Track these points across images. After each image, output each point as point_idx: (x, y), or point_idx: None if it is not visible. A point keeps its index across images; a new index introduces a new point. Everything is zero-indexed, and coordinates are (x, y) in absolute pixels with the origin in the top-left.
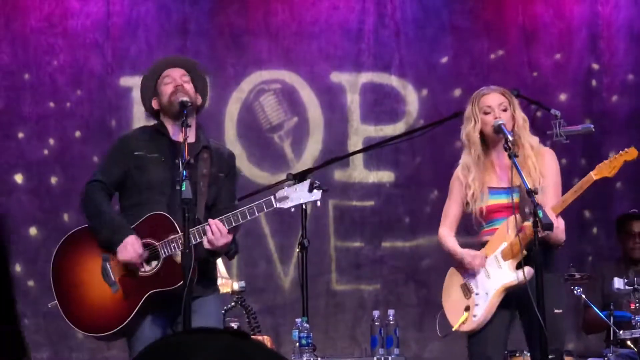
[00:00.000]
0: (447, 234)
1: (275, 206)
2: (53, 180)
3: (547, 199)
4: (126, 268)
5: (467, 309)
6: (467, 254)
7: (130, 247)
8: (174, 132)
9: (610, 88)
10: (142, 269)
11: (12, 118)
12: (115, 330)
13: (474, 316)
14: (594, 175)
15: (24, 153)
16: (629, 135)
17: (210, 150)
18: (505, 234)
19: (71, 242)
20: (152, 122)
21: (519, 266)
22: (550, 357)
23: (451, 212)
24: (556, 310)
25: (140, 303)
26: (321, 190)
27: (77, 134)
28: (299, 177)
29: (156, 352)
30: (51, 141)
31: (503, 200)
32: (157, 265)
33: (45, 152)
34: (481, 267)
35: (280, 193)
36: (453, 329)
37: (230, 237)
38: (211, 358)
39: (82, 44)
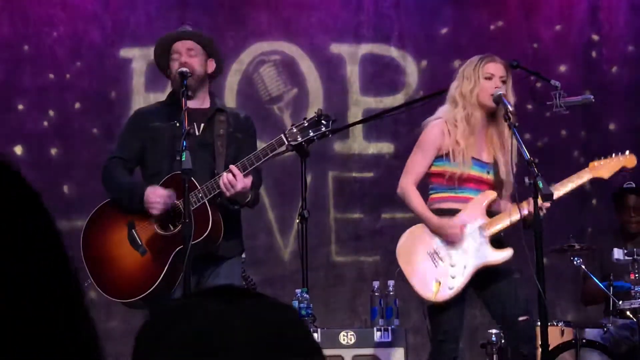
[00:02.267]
0: (413, 190)
1: (286, 143)
2: (53, 151)
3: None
4: (152, 231)
5: (437, 279)
6: (448, 226)
7: (154, 198)
8: (185, 102)
9: (610, 59)
10: (166, 230)
11: (11, 90)
12: (149, 290)
13: (450, 288)
14: (590, 172)
15: (24, 125)
16: (628, 106)
17: (225, 112)
18: (481, 208)
19: (97, 217)
20: (161, 95)
21: (494, 245)
22: (521, 319)
23: (419, 168)
24: (515, 276)
25: (169, 261)
26: (330, 121)
27: (77, 105)
28: (298, 149)
29: (161, 316)
30: (51, 113)
31: (482, 173)
32: (180, 222)
33: (45, 123)
34: (460, 241)
35: (289, 131)
36: (432, 300)
37: (247, 182)
38: (192, 327)
39: (82, 16)
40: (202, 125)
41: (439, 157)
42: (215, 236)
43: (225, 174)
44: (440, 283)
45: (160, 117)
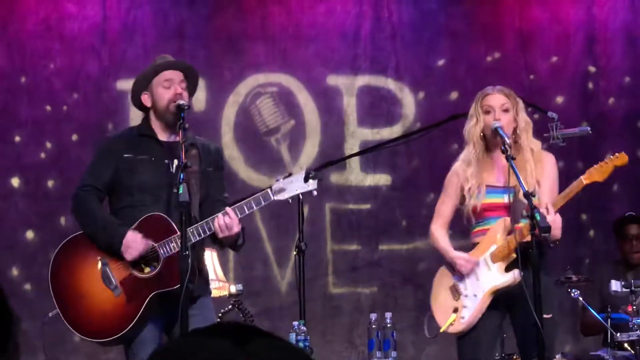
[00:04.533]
0: (439, 232)
1: (272, 199)
2: (50, 183)
3: (541, 204)
4: (127, 271)
5: (455, 310)
6: (459, 258)
7: (133, 244)
8: (161, 133)
9: (606, 91)
10: (143, 272)
11: (8, 121)
12: (121, 333)
13: (462, 318)
14: (584, 180)
15: (21, 156)
16: (625, 137)
17: (197, 147)
18: (495, 236)
19: (68, 249)
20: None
21: (508, 269)
22: None
23: (445, 209)
24: (545, 316)
25: (144, 305)
26: (317, 180)
27: (74, 137)
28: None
29: (166, 352)
30: (48, 145)
31: (500, 199)
32: (157, 266)
33: (42, 155)
34: (471, 272)
35: (276, 185)
36: (441, 330)
37: (240, 227)
38: None
39: (79, 48)
40: (175, 161)
41: (464, 198)
42: (191, 282)
43: (221, 215)
44: (456, 314)
45: (134, 148)
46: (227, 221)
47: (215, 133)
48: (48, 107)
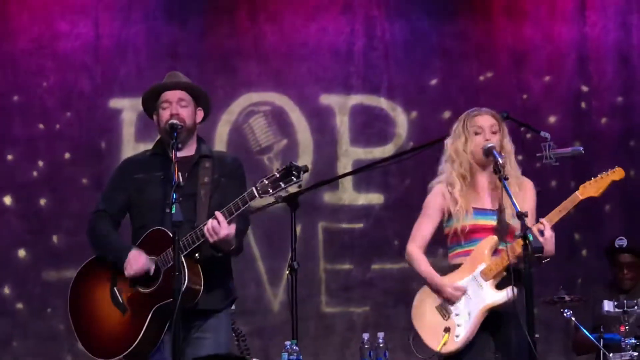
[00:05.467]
0: (418, 254)
1: (256, 196)
2: (42, 202)
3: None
4: (132, 289)
5: (447, 330)
6: (447, 287)
7: (134, 262)
8: (171, 150)
9: (599, 110)
10: (147, 288)
11: (1, 140)
12: (129, 350)
13: (457, 337)
14: (579, 195)
15: (13, 175)
16: (618, 156)
17: (212, 158)
18: (482, 254)
19: (82, 275)
20: (151, 145)
21: (499, 287)
22: None
23: (425, 231)
24: (537, 335)
25: (147, 319)
26: (300, 172)
27: (67, 155)
28: (288, 200)
29: None
30: (40, 163)
31: (487, 221)
32: (159, 279)
33: (35, 173)
34: (461, 297)
35: (260, 183)
36: (437, 350)
37: (231, 230)
38: None
39: (72, 66)
40: (186, 174)
41: (447, 219)
42: (192, 292)
43: (210, 220)
44: (449, 333)
45: (145, 168)
46: (214, 225)
47: None
48: (41, 126)
